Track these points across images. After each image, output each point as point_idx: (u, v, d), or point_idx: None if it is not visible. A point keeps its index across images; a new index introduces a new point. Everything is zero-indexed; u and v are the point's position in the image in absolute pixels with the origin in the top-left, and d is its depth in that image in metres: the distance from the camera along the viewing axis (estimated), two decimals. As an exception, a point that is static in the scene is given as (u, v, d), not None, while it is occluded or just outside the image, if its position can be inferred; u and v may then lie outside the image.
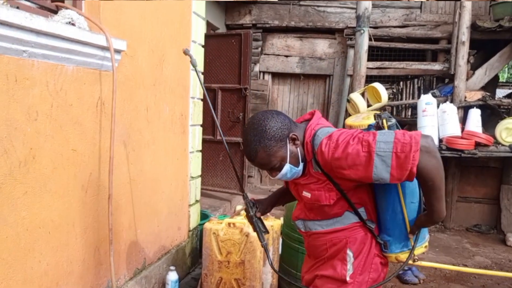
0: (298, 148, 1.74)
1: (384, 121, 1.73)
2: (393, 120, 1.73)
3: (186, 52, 2.21)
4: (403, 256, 1.75)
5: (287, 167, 1.72)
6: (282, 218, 3.59)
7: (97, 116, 2.35)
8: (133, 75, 2.69)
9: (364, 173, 1.56)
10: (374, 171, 1.53)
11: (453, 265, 4.84)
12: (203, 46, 3.80)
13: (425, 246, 1.78)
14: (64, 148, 2.11)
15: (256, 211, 2.05)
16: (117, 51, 2.36)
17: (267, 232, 2.05)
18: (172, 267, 3.18)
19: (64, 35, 1.92)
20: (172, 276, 3.13)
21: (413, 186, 1.69)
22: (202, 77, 3.79)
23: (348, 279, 1.76)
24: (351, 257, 1.77)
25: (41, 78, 1.91)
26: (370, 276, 1.78)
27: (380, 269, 1.81)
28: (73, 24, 2.04)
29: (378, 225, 1.79)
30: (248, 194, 2.22)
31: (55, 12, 2.11)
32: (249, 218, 2.05)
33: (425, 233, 1.78)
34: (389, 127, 1.71)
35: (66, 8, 2.12)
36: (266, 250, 2.02)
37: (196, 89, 3.70)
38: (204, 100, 3.88)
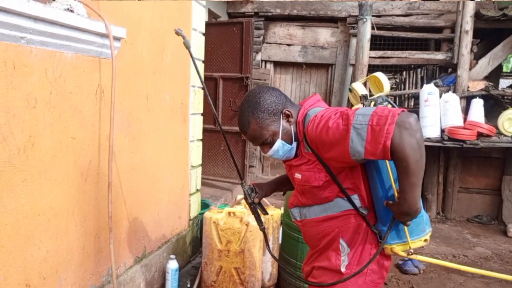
0: (291, 126, 1.73)
1: (372, 104, 1.66)
2: (385, 104, 1.64)
3: (178, 33, 2.11)
4: (398, 249, 1.66)
5: (278, 142, 1.70)
6: (282, 208, 3.59)
7: (96, 104, 2.34)
8: (133, 63, 2.68)
9: (342, 148, 1.49)
10: (350, 144, 1.46)
11: (454, 255, 4.85)
12: (203, 34, 3.78)
13: (425, 240, 1.67)
14: (63, 136, 2.11)
15: (255, 196, 2.03)
16: (117, 39, 2.35)
17: (266, 213, 2.08)
18: (172, 256, 3.18)
19: (63, 21, 1.90)
20: (172, 264, 3.14)
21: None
22: (200, 65, 3.76)
23: (343, 270, 1.71)
24: (345, 248, 1.71)
25: (39, 65, 1.90)
26: (369, 268, 1.70)
27: (380, 260, 1.73)
28: (71, 11, 2.02)
29: (374, 214, 1.71)
30: (248, 180, 2.23)
31: (53, -2, 2.09)
32: (248, 204, 2.04)
33: (424, 226, 1.67)
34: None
35: (65, -6, 2.10)
36: (264, 235, 2.02)
37: (197, 77, 3.68)
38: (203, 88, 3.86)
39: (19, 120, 1.81)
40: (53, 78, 1.99)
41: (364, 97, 1.69)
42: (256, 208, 2.02)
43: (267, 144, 1.73)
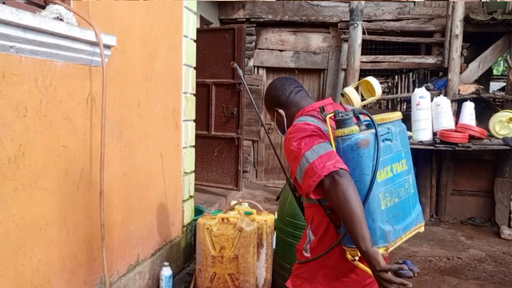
0: (284, 121, 1.92)
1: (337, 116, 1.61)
2: (349, 116, 1.61)
3: (234, 67, 2.39)
4: (353, 253, 1.60)
5: (275, 124, 2.02)
6: (276, 213, 3.60)
7: (87, 112, 2.34)
8: (124, 70, 2.68)
9: (292, 170, 1.69)
10: (296, 173, 1.64)
11: (448, 258, 4.87)
12: (195, 41, 3.79)
13: (385, 249, 1.60)
14: (54, 144, 2.10)
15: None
16: (107, 47, 2.35)
17: None
18: (166, 263, 3.18)
19: (52, 30, 1.90)
20: (166, 271, 3.13)
21: (365, 179, 1.58)
22: (192, 71, 3.77)
23: (307, 254, 1.81)
24: (310, 236, 1.82)
25: (29, 74, 1.90)
26: (330, 261, 1.75)
27: (348, 263, 1.67)
28: (61, 20, 2.02)
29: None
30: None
31: (43, 7, 2.09)
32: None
33: (377, 240, 1.58)
34: (338, 122, 1.60)
35: (54, 3, 2.10)
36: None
37: (188, 84, 3.68)
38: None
39: (9, 129, 1.81)
40: (43, 87, 1.99)
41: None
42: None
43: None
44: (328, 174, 1.50)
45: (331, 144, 1.61)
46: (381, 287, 1.51)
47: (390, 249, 1.63)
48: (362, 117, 1.70)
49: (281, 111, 1.92)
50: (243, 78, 2.34)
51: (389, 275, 1.47)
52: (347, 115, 1.60)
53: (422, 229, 1.90)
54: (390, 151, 1.68)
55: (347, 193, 1.48)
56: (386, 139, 1.67)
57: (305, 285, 1.84)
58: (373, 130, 1.62)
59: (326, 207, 1.71)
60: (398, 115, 1.79)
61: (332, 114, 1.63)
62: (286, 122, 1.91)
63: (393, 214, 1.67)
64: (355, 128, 1.60)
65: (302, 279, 1.86)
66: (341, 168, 1.51)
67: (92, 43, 2.22)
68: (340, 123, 1.60)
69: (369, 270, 1.53)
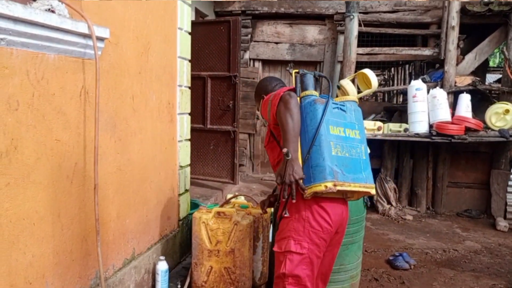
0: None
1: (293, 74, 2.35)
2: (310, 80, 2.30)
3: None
4: (308, 191, 2.10)
5: (259, 113, 2.62)
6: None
7: (81, 106, 2.31)
8: (118, 63, 2.65)
9: (264, 113, 2.34)
10: (267, 112, 2.28)
11: (444, 250, 4.88)
12: (190, 34, 3.75)
13: (325, 186, 2.07)
14: (47, 138, 2.08)
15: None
16: (100, 39, 2.32)
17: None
18: (161, 257, 3.16)
19: (44, 22, 1.87)
20: (162, 266, 3.12)
21: (311, 129, 2.14)
22: (187, 64, 3.74)
23: (286, 215, 2.21)
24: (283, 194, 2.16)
25: (21, 67, 1.87)
26: (307, 214, 2.17)
27: (315, 208, 2.18)
28: (53, 11, 1.99)
29: None
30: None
31: (34, -1, 2.06)
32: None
33: (325, 175, 2.08)
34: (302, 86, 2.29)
35: (46, -6, 2.06)
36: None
37: (183, 77, 3.65)
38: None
39: (1, 123, 1.78)
40: (35, 80, 1.96)
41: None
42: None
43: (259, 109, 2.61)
44: (283, 94, 2.15)
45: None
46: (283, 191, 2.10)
47: (338, 187, 2.09)
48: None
49: (265, 96, 2.45)
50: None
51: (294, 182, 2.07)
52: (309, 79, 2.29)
53: (373, 191, 2.33)
54: (344, 118, 2.26)
55: (290, 107, 2.10)
56: (340, 108, 2.27)
57: (289, 241, 2.19)
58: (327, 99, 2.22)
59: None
60: (353, 98, 2.47)
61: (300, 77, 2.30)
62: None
63: (343, 163, 2.16)
64: (314, 92, 2.27)
65: (285, 239, 2.21)
66: (289, 93, 2.16)
67: (84, 36, 2.19)
68: (303, 87, 2.27)
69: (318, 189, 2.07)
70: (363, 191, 2.25)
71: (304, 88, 2.26)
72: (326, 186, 2.08)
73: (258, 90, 2.65)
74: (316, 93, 2.26)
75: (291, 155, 2.05)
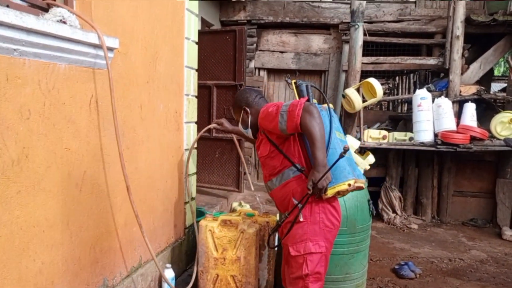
0: (249, 118, 2.65)
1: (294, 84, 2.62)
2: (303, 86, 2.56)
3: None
4: (330, 192, 2.30)
5: (240, 125, 2.73)
6: (277, 215, 3.60)
7: (90, 115, 2.34)
8: (126, 72, 2.69)
9: (274, 124, 2.35)
10: (278, 123, 2.32)
11: (449, 259, 4.87)
12: (196, 43, 3.79)
13: (348, 184, 2.31)
14: (57, 147, 2.11)
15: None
16: (110, 49, 2.36)
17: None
18: (168, 265, 3.18)
19: (55, 33, 1.91)
20: (168, 273, 3.14)
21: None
22: (194, 73, 3.78)
23: (301, 219, 2.36)
24: (300, 206, 2.35)
25: (33, 77, 1.91)
26: (321, 216, 2.38)
27: (328, 208, 2.40)
28: (64, 22, 2.03)
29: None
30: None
31: (46, 10, 2.10)
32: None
33: (346, 174, 2.32)
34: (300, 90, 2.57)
35: (57, 6, 2.11)
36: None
37: (190, 86, 3.69)
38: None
39: (13, 131, 1.81)
40: (46, 90, 2.00)
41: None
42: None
43: (237, 121, 2.74)
44: (306, 104, 2.26)
45: None
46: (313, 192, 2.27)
47: (357, 184, 2.35)
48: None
49: (248, 109, 2.65)
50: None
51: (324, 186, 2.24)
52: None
53: (366, 185, 2.83)
54: (336, 122, 2.48)
55: (316, 116, 2.23)
56: (332, 114, 2.48)
57: (307, 243, 2.37)
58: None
59: (300, 167, 2.41)
60: (326, 106, 2.55)
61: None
62: (250, 119, 2.64)
63: (349, 163, 2.39)
64: (314, 100, 2.52)
65: (303, 242, 2.38)
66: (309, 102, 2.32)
67: (95, 46, 2.23)
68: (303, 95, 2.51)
69: (341, 188, 2.30)
70: (362, 186, 2.46)
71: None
72: (349, 185, 2.32)
73: (238, 102, 2.70)
74: (315, 101, 2.54)
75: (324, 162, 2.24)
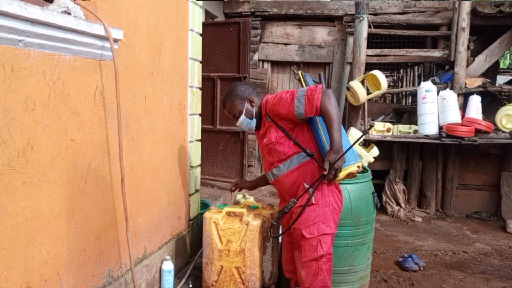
0: (253, 108, 2.70)
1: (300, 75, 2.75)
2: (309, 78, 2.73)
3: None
4: (342, 173, 2.39)
5: (242, 117, 2.69)
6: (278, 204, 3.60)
7: (95, 106, 2.34)
8: (131, 64, 2.68)
9: (289, 109, 2.43)
10: (295, 108, 2.41)
11: (453, 252, 4.87)
12: (201, 35, 3.78)
13: (357, 166, 2.48)
14: (62, 138, 2.11)
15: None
16: (114, 40, 2.35)
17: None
18: (167, 257, 3.18)
19: (60, 24, 1.90)
20: (166, 265, 3.14)
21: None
22: (198, 65, 3.77)
23: (314, 202, 2.47)
24: (311, 190, 2.45)
25: (38, 68, 1.90)
26: (330, 199, 2.51)
27: (335, 191, 2.55)
28: (68, 13, 2.02)
29: (321, 157, 2.53)
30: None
31: (50, 1, 2.09)
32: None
33: (356, 156, 2.51)
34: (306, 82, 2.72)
35: (62, -3, 2.10)
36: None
37: (194, 78, 3.68)
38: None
39: (18, 123, 1.81)
40: (51, 81, 2.00)
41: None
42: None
43: (236, 117, 2.73)
44: (325, 89, 2.37)
45: None
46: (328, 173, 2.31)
47: (361, 165, 2.58)
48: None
49: (254, 99, 2.69)
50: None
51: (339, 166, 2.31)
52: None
53: (370, 177, 3.17)
54: None
55: (334, 100, 2.36)
56: None
57: (319, 225, 2.48)
58: None
59: (310, 152, 2.51)
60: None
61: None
62: (254, 109, 2.69)
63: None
64: None
65: (315, 224, 2.48)
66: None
67: (100, 37, 2.22)
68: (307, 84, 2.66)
69: (352, 170, 2.45)
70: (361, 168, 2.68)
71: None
72: (358, 166, 2.49)
73: (241, 94, 2.70)
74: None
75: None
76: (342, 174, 2.40)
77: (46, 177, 2.01)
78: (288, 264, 2.84)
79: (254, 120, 2.71)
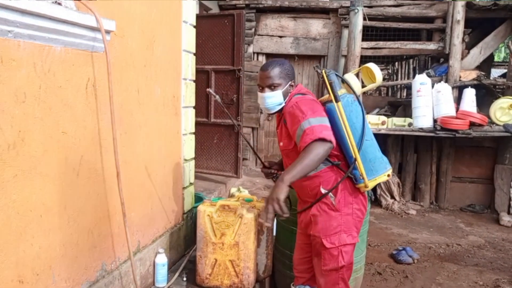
0: (288, 93, 2.42)
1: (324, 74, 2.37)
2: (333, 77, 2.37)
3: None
4: (371, 184, 2.31)
5: (278, 92, 2.38)
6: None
7: (87, 98, 2.31)
8: (123, 56, 2.65)
9: (293, 128, 2.22)
10: (296, 130, 2.19)
11: (447, 244, 4.89)
12: (194, 27, 3.75)
13: (387, 175, 2.37)
14: (54, 131, 2.08)
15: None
16: (106, 32, 2.31)
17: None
18: (161, 250, 3.17)
19: (50, 15, 1.87)
20: (160, 259, 3.13)
21: (359, 126, 2.30)
22: (192, 58, 3.74)
23: (335, 205, 2.32)
24: (331, 196, 2.32)
25: (28, 59, 1.87)
26: (354, 207, 2.36)
27: (360, 198, 2.39)
28: (59, 4, 1.99)
29: (346, 163, 2.37)
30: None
31: (41, -9, 2.06)
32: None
33: (385, 165, 2.38)
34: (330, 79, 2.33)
35: (52, -13, 2.06)
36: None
37: (188, 70, 3.65)
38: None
39: (8, 115, 1.79)
40: (42, 72, 1.97)
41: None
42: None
43: (270, 88, 2.38)
44: (323, 138, 2.09)
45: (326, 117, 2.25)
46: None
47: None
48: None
49: (294, 84, 2.45)
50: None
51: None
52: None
53: None
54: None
55: (320, 155, 2.09)
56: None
57: (341, 235, 2.33)
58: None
59: (334, 162, 2.34)
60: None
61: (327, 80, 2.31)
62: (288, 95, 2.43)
63: (378, 149, 2.41)
64: (343, 90, 2.43)
65: (337, 234, 2.33)
66: (331, 141, 2.11)
67: (91, 28, 2.19)
68: (333, 85, 2.29)
69: (382, 179, 2.37)
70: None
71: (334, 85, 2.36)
72: (388, 175, 2.38)
73: (290, 72, 2.43)
74: (345, 90, 2.44)
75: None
76: (371, 185, 2.31)
77: (37, 170, 1.99)
78: (300, 263, 2.70)
79: (283, 103, 2.41)
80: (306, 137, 2.10)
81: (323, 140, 2.08)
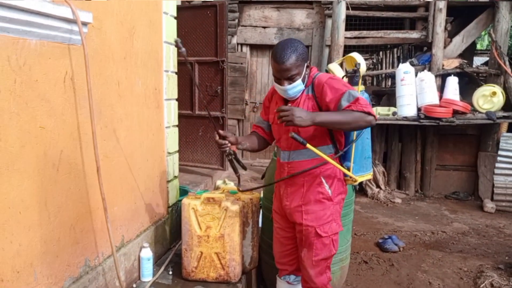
0: (306, 75, 2.33)
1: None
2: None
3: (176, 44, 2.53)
4: (361, 178, 2.50)
5: (299, 81, 2.27)
6: (261, 192, 3.59)
7: (65, 92, 2.26)
8: (102, 48, 2.60)
9: (337, 95, 2.20)
10: (341, 97, 2.18)
11: (432, 232, 4.94)
12: (175, 18, 3.69)
13: (371, 174, 2.62)
14: (31, 126, 2.04)
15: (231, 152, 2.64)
16: (83, 24, 2.26)
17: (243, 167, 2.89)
18: (145, 244, 3.14)
19: (22, 6, 1.82)
20: (145, 253, 3.10)
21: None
22: (173, 49, 3.69)
23: (333, 197, 2.42)
24: (325, 183, 2.39)
25: (1, 53, 1.82)
26: (342, 197, 2.49)
27: (346, 188, 2.53)
28: (33, -5, 1.93)
29: (344, 155, 2.47)
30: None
31: (13, -18, 2.00)
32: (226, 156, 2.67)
33: (371, 167, 2.61)
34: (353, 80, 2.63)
35: (26, -22, 2.01)
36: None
37: (169, 62, 3.61)
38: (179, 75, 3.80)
39: (-18, 110, 1.74)
40: (17, 66, 1.92)
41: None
42: (233, 160, 2.69)
43: (290, 80, 2.26)
44: (373, 116, 2.19)
45: None
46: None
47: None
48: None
49: (309, 64, 2.36)
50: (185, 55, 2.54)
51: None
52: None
53: None
54: None
55: (360, 126, 2.22)
56: None
57: (332, 224, 2.42)
58: None
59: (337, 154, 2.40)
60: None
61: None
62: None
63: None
64: (361, 87, 2.59)
65: (329, 223, 2.41)
66: (371, 123, 2.21)
67: (67, 20, 2.14)
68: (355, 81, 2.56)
69: (368, 177, 2.69)
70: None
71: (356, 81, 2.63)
72: (371, 175, 2.68)
73: (304, 54, 2.28)
74: (362, 87, 2.65)
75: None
76: (360, 179, 2.49)
77: (15, 166, 1.94)
78: (282, 257, 2.72)
79: (303, 87, 2.34)
80: (358, 105, 2.15)
81: (372, 117, 2.18)
